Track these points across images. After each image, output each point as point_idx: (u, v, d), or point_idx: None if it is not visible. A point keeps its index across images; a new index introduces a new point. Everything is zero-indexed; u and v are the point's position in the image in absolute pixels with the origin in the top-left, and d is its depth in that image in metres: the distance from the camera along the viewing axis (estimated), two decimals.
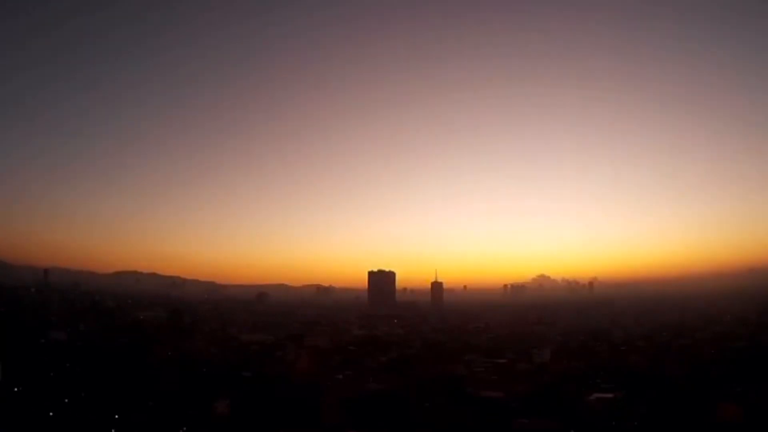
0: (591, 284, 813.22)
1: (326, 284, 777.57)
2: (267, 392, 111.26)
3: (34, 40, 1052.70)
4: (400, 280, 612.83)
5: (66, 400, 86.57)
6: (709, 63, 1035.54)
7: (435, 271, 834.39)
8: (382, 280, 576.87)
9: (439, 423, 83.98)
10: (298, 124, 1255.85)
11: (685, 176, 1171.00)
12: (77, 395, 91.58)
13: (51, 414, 78.00)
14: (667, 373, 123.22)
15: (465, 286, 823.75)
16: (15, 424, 72.46)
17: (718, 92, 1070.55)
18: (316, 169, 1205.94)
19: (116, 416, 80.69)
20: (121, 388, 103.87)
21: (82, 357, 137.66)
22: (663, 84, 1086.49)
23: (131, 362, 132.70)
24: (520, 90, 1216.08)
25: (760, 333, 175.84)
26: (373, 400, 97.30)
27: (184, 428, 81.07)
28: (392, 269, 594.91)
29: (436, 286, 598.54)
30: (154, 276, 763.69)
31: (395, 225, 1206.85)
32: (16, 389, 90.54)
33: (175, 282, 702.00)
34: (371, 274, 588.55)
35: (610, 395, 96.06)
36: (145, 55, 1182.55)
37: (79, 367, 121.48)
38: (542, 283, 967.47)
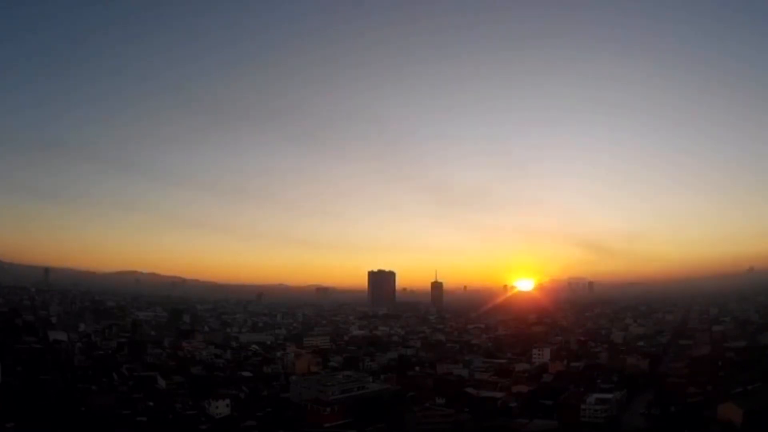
0: (591, 284, 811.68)
1: (326, 284, 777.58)
2: (267, 392, 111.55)
3: (37, 40, 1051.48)
4: (400, 280, 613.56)
5: (66, 400, 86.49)
6: (707, 62, 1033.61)
7: (435, 271, 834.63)
8: (382, 280, 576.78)
9: (439, 423, 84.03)
10: (297, 123, 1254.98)
11: (684, 175, 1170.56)
12: (77, 395, 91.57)
13: (51, 414, 77.92)
14: (667, 373, 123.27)
15: (465, 287, 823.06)
16: (15, 423, 72.42)
17: (718, 90, 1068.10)
18: (316, 169, 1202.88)
19: (116, 416, 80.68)
20: (120, 388, 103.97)
21: (82, 357, 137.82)
22: (663, 83, 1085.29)
23: (131, 362, 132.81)
24: (520, 88, 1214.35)
25: (760, 333, 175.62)
26: (373, 400, 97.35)
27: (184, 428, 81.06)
28: (392, 269, 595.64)
29: (436, 286, 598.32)
30: (154, 276, 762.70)
31: (395, 225, 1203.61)
32: (15, 389, 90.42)
33: (175, 282, 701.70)
34: (371, 274, 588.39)
35: (609, 395, 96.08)
36: (147, 54, 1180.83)
37: (79, 367, 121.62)
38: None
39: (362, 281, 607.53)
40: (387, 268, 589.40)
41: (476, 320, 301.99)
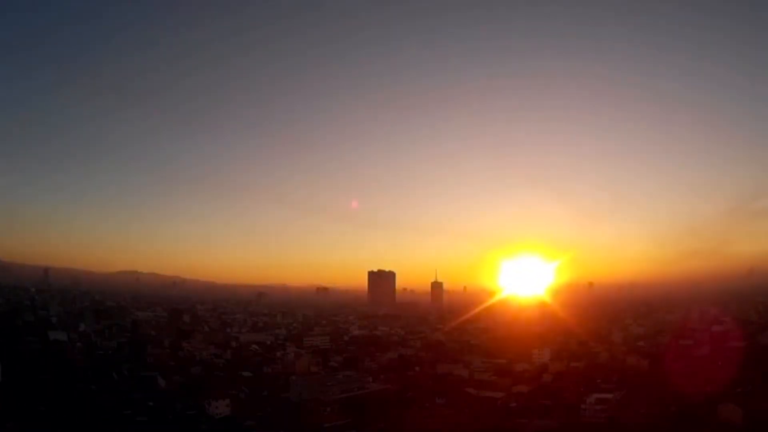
0: (591, 284, 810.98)
1: (326, 284, 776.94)
2: (267, 392, 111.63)
3: (39, 41, 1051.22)
4: (400, 280, 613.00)
5: (66, 400, 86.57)
6: (706, 61, 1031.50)
7: (435, 271, 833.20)
8: (382, 280, 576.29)
9: (439, 423, 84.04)
10: (296, 122, 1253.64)
11: (684, 175, 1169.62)
12: (77, 395, 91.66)
13: (51, 414, 78.00)
14: (667, 373, 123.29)
15: (465, 287, 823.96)
16: (15, 423, 72.48)
17: (717, 90, 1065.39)
18: (315, 169, 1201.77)
19: (116, 416, 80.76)
20: (120, 388, 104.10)
21: (82, 357, 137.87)
22: (661, 83, 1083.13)
23: (131, 362, 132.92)
24: (520, 88, 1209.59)
25: (760, 333, 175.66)
26: (373, 400, 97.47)
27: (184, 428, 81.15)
28: (392, 269, 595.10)
29: (436, 286, 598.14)
30: (154, 276, 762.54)
31: (395, 225, 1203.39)
32: (15, 389, 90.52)
33: (175, 282, 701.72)
34: (371, 274, 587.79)
35: (609, 395, 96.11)
36: (147, 56, 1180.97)
37: (79, 367, 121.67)
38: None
39: (362, 281, 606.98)
40: (387, 268, 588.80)
41: (476, 320, 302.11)
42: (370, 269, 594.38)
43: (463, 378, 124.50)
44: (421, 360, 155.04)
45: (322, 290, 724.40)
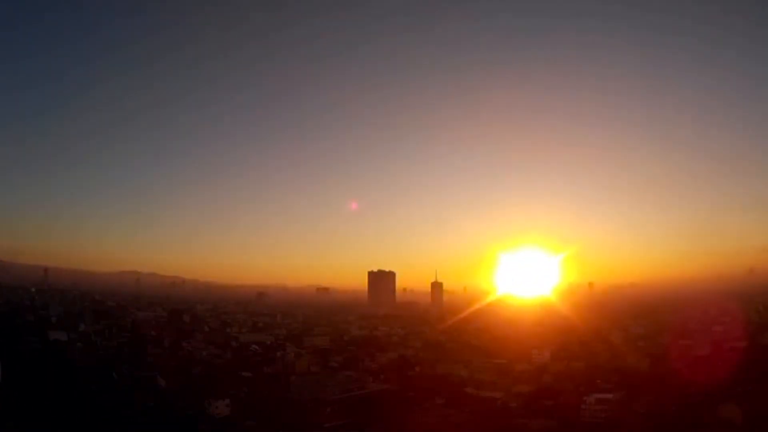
0: (591, 285, 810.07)
1: (326, 284, 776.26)
2: (267, 392, 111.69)
3: (39, 42, 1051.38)
4: (400, 280, 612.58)
5: (66, 400, 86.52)
6: (706, 62, 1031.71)
7: (435, 271, 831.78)
8: (382, 280, 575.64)
9: (439, 423, 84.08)
10: (296, 122, 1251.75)
11: (684, 176, 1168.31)
12: (77, 395, 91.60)
13: (51, 414, 77.95)
14: (667, 373, 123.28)
15: (465, 287, 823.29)
16: (15, 423, 72.46)
17: (716, 91, 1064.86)
18: (315, 169, 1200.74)
19: (116, 416, 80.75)
20: (120, 388, 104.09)
21: (82, 357, 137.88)
22: (660, 84, 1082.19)
23: (131, 362, 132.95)
24: (521, 86, 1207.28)
25: (760, 333, 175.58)
26: (373, 400, 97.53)
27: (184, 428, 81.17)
28: (392, 269, 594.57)
29: (436, 286, 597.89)
30: (154, 276, 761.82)
31: (395, 225, 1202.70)
32: (15, 389, 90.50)
33: (175, 282, 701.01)
34: (371, 274, 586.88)
35: (610, 395, 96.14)
36: (145, 57, 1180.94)
37: (79, 367, 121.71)
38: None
39: (362, 281, 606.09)
40: (387, 268, 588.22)
41: (476, 320, 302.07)
42: (370, 269, 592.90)
43: (463, 378, 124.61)
44: (421, 360, 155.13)
45: (322, 290, 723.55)
